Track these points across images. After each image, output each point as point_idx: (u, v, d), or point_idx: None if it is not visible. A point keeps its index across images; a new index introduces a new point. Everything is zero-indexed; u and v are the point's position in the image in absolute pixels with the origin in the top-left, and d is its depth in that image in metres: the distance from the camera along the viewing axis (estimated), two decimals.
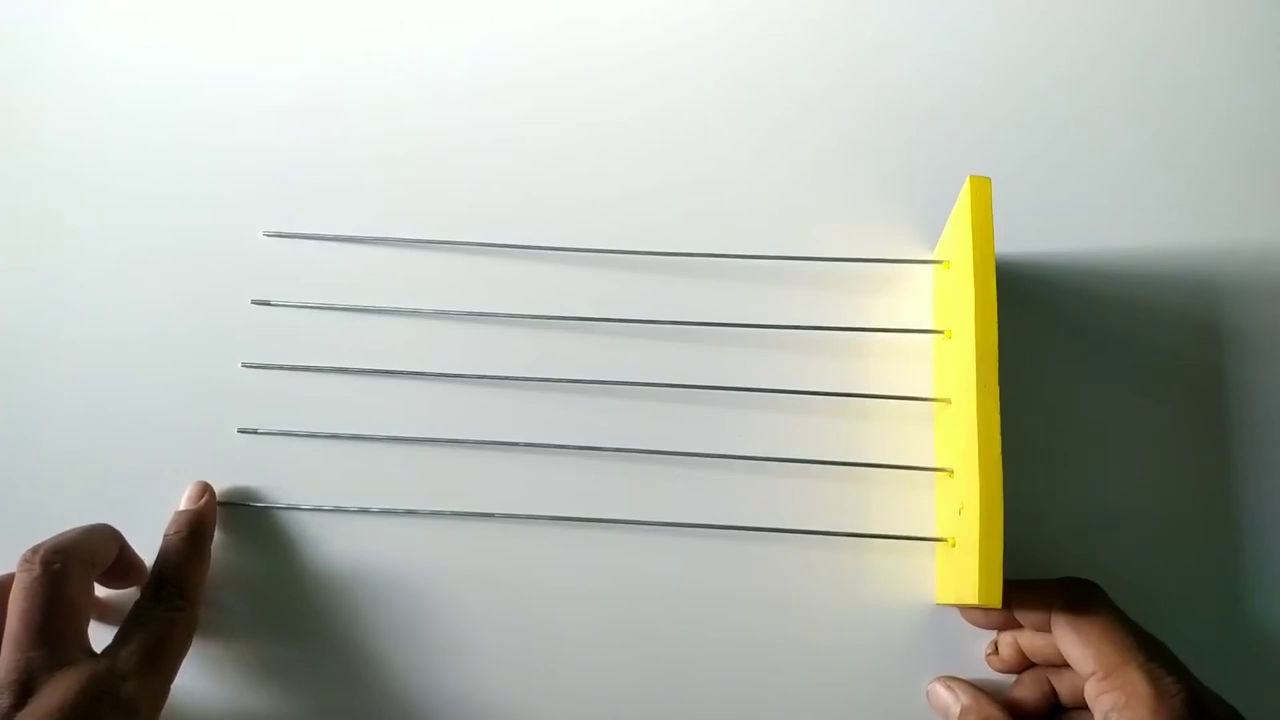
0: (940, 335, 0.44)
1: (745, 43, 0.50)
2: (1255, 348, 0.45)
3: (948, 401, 0.43)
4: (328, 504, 0.45)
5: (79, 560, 0.38)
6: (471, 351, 0.46)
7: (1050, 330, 0.46)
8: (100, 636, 0.39)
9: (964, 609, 0.42)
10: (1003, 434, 0.37)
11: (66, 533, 0.39)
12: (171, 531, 0.42)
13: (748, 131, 0.49)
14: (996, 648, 0.42)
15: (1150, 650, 0.36)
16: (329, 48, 0.51)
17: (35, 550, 0.37)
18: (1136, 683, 0.35)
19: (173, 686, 0.40)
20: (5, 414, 0.46)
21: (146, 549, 0.44)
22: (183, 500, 0.44)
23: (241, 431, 0.46)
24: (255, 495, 0.45)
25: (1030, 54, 0.49)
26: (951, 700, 0.40)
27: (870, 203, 0.48)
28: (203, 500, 0.44)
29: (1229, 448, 0.44)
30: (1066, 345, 0.45)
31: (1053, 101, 0.49)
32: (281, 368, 0.46)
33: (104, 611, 0.43)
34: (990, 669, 0.42)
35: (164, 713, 0.42)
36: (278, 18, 0.51)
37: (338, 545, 0.44)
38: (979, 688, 0.40)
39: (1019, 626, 0.40)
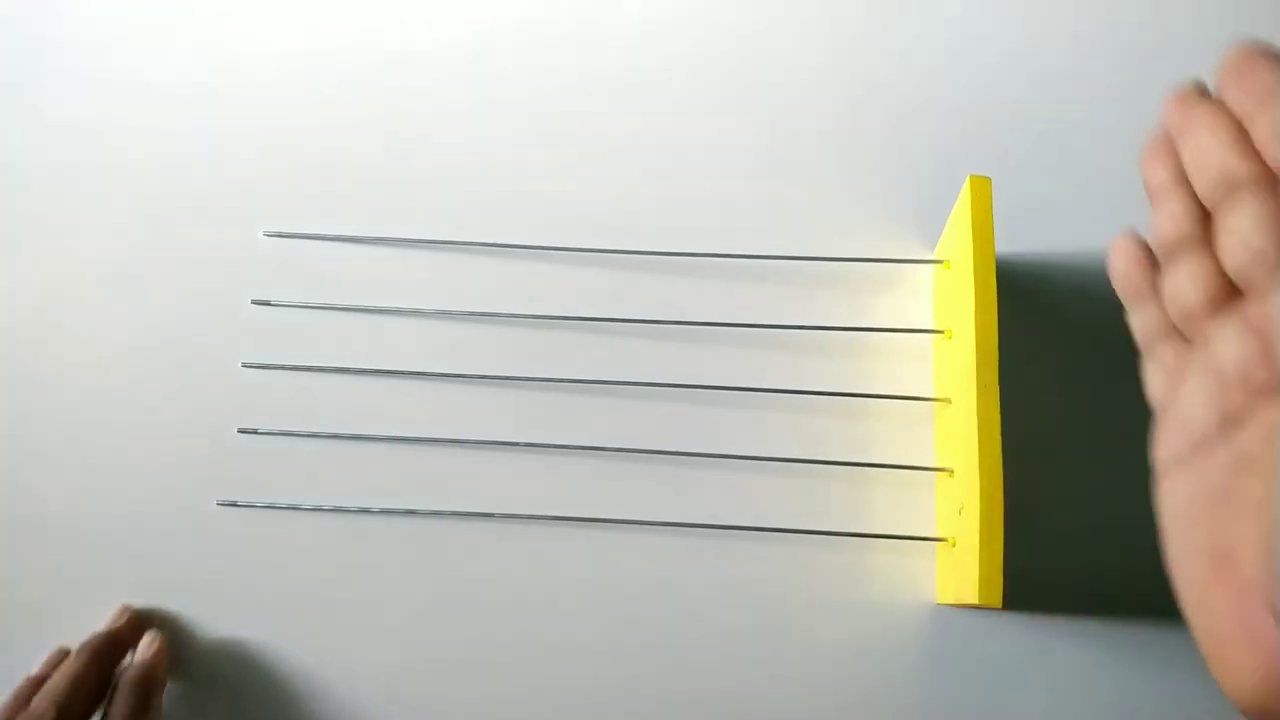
0: (940, 335, 0.44)
1: (745, 43, 0.50)
2: None
3: (948, 401, 0.43)
4: (328, 504, 0.45)
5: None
6: (471, 351, 0.46)
7: (1050, 330, 0.46)
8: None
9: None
10: (1003, 434, 0.37)
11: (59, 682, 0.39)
12: (119, 696, 0.40)
13: (748, 132, 0.49)
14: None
15: None
16: (329, 48, 0.51)
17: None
18: None
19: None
20: (5, 414, 0.46)
21: (145, 552, 0.44)
22: (117, 619, 0.43)
23: (241, 431, 0.46)
24: (255, 495, 0.45)
25: (1030, 54, 0.49)
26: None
27: (870, 203, 0.48)
28: (152, 650, 0.42)
29: None
30: (1066, 345, 0.45)
31: (1053, 101, 0.49)
32: (281, 368, 0.46)
33: None
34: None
35: (166, 712, 0.42)
36: (278, 18, 0.51)
37: (338, 545, 0.44)
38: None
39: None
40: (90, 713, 0.39)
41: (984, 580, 0.35)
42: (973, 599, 0.36)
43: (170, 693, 0.43)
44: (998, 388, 0.37)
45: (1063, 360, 0.45)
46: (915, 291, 0.47)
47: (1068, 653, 0.42)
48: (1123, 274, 0.31)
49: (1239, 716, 0.35)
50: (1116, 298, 0.32)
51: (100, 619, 0.43)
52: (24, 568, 0.45)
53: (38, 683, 0.39)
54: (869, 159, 0.48)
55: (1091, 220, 0.47)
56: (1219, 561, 0.26)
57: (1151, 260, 0.30)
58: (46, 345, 0.47)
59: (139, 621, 0.43)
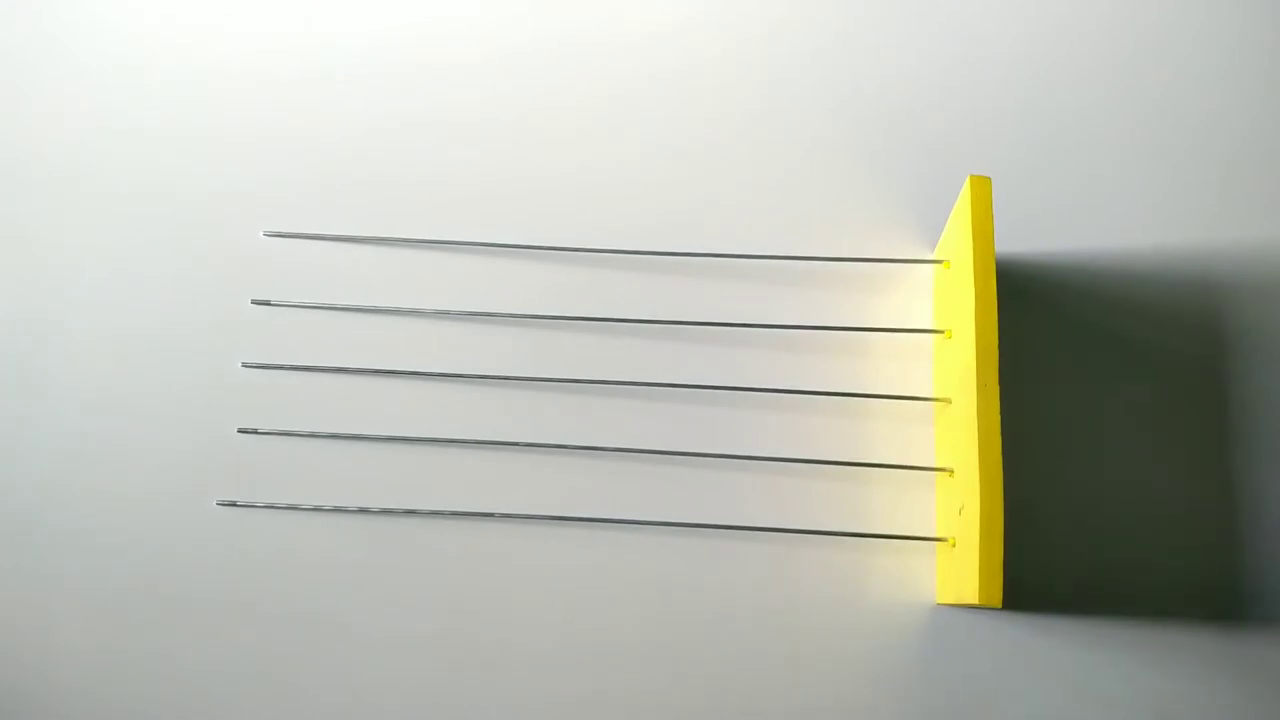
0: (940, 335, 0.44)
1: (746, 45, 0.50)
2: (1255, 348, 0.45)
3: (948, 401, 0.43)
4: (328, 504, 0.45)
5: None
6: (471, 351, 0.46)
7: (1050, 330, 0.46)
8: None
9: None
10: (1003, 434, 0.37)
11: None
12: None
13: (748, 132, 0.49)
14: None
15: None
16: (330, 48, 0.51)
17: None
18: None
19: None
20: (6, 414, 0.46)
21: (145, 550, 0.44)
22: None
23: (241, 431, 0.46)
24: (255, 495, 0.45)
25: (1030, 53, 0.49)
26: None
27: (870, 203, 0.48)
28: None
29: (1229, 448, 0.44)
30: (1066, 345, 0.45)
31: (1053, 101, 0.49)
32: (281, 368, 0.46)
33: None
34: None
35: (165, 710, 0.42)
36: (279, 19, 0.51)
37: (338, 545, 0.44)
38: None
39: None
40: None
41: (984, 580, 0.35)
42: (973, 599, 0.36)
43: (171, 691, 0.43)
44: (998, 388, 0.37)
45: (1063, 360, 0.45)
46: (915, 291, 0.47)
47: (1068, 653, 0.42)
48: None
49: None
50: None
51: (100, 618, 0.43)
52: (24, 568, 0.45)
53: None
54: (869, 159, 0.48)
55: (1091, 220, 0.47)
56: None
57: None
58: (47, 345, 0.47)
59: None
